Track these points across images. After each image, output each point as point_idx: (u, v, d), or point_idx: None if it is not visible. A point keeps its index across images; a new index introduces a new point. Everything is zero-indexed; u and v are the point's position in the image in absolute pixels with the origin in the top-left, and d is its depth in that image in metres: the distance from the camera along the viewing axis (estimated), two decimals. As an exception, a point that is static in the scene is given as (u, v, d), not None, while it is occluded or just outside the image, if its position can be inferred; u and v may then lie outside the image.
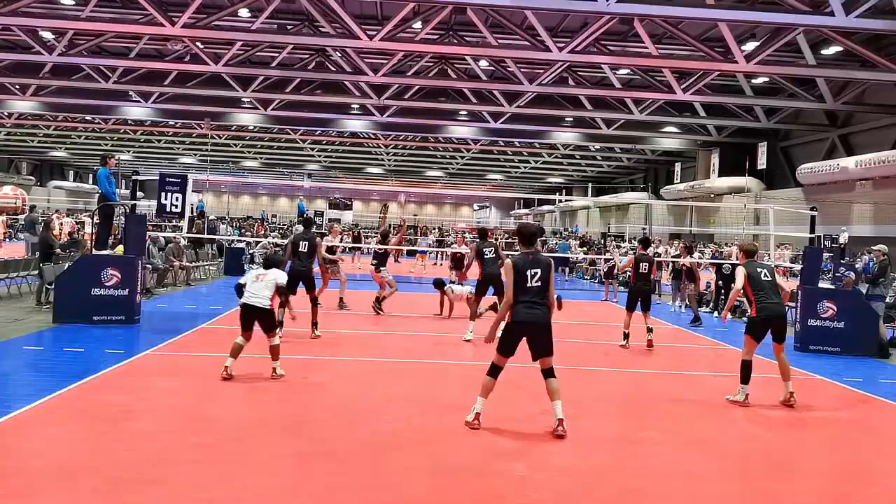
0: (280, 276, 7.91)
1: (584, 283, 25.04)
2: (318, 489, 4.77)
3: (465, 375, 8.53)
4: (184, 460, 5.12)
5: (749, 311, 7.81)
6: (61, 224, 24.22)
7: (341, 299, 13.79)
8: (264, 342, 7.66)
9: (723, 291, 16.55)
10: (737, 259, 10.49)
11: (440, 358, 9.45)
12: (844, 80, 23.78)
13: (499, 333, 6.34)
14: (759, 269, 7.68)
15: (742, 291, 7.68)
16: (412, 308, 14.25)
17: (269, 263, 8.14)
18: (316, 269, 11.29)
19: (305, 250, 10.61)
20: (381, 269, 13.64)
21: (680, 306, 16.69)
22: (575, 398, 7.57)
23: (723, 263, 16.72)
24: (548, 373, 6.15)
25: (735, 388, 7.63)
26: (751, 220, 33.44)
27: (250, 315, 7.59)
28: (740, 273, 7.69)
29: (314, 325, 10.27)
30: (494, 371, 6.16)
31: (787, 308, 14.28)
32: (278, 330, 7.97)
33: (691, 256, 16.41)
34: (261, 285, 7.68)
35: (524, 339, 6.15)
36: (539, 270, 6.13)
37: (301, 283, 10.37)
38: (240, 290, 7.84)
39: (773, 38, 18.14)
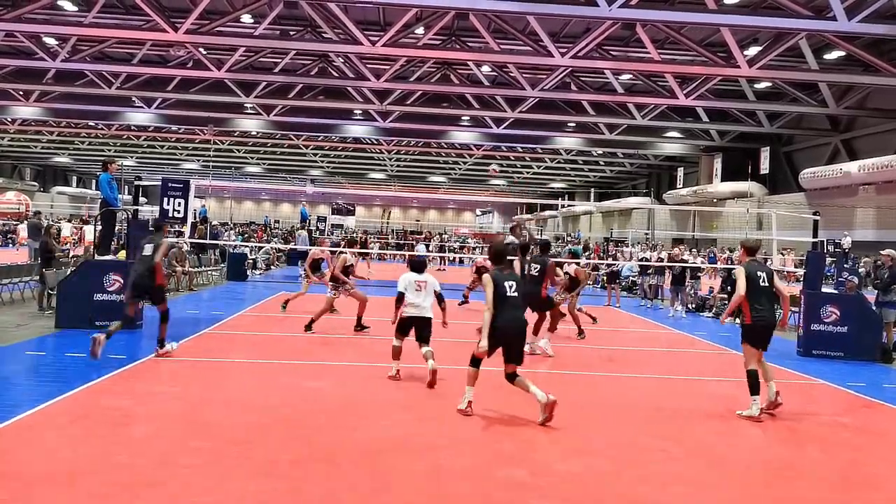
0: (437, 283, 8.22)
1: (587, 289, 24.95)
2: (318, 493, 4.75)
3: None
4: (183, 464, 5.11)
5: (743, 318, 7.48)
6: (58, 230, 24.25)
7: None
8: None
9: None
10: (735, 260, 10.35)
11: (440, 363, 9.40)
12: (847, 84, 23.75)
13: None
14: (758, 273, 7.38)
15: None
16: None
17: (420, 267, 8.29)
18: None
19: (150, 254, 8.80)
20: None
21: (680, 311, 16.63)
22: (576, 403, 7.56)
23: (732, 269, 16.65)
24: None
25: (745, 400, 7.32)
26: (753, 225, 33.41)
27: (412, 324, 8.00)
28: (741, 274, 7.38)
29: (161, 342, 8.83)
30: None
31: (792, 312, 14.25)
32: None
33: (577, 263, 14.81)
34: (424, 295, 8.00)
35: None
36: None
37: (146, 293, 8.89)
38: (401, 298, 7.98)
39: (776, 42, 18.13)
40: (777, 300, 7.77)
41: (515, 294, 6.64)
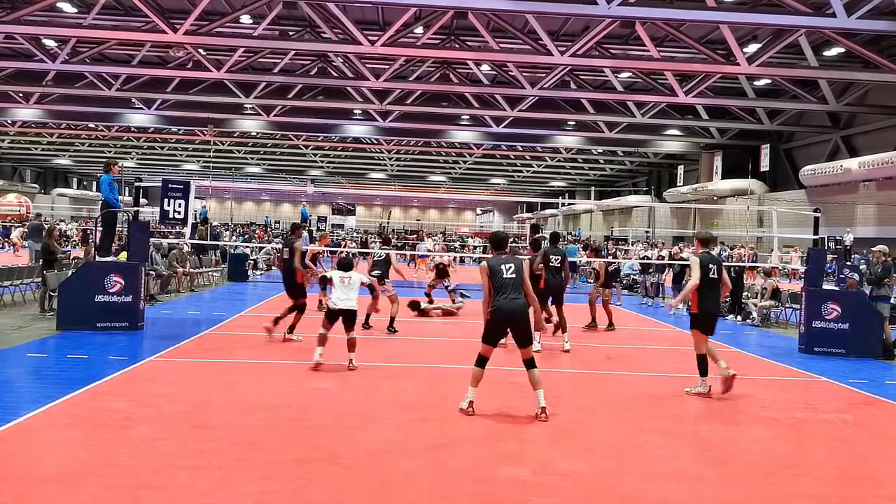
0: (363, 278, 9.22)
1: (589, 287, 24.94)
2: (320, 495, 4.75)
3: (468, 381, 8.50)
4: (185, 466, 5.10)
5: (691, 306, 8.04)
6: (61, 231, 24.31)
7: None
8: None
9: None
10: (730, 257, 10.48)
11: (443, 362, 9.42)
12: (847, 81, 23.74)
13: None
14: (710, 266, 7.90)
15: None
16: (413, 312, 14.22)
17: (347, 266, 9.06)
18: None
19: (288, 257, 10.69)
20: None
21: (681, 308, 16.57)
22: (578, 402, 7.56)
23: (731, 266, 16.67)
24: None
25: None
26: (754, 223, 33.39)
27: (338, 315, 8.71)
28: (695, 264, 7.86)
29: (291, 328, 10.49)
30: None
31: (793, 310, 14.28)
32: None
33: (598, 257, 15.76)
34: (350, 288, 8.78)
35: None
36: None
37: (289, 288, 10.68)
38: (324, 281, 9.15)
39: (775, 39, 18.12)
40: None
41: (514, 276, 6.74)
